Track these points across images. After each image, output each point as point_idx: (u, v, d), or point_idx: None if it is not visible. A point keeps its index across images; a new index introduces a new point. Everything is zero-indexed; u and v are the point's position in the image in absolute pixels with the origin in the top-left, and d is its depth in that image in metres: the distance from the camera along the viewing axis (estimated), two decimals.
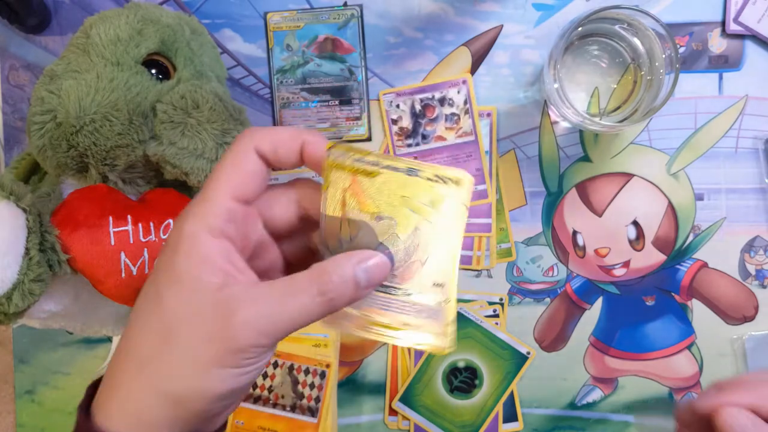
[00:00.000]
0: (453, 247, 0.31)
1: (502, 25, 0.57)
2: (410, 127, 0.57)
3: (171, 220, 0.46)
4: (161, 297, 0.28)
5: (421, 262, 0.30)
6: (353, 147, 0.30)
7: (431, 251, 0.30)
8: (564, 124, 0.57)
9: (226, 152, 0.30)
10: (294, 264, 0.33)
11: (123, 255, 0.44)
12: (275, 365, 0.56)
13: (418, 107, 0.57)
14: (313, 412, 0.56)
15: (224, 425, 0.32)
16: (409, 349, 0.57)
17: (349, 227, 0.31)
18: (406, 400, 0.57)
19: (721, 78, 0.56)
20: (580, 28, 0.50)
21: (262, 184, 0.30)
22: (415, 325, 0.31)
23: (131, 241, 0.44)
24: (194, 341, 0.27)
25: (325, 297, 0.28)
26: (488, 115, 0.57)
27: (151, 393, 0.28)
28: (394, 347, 0.57)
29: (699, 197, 0.57)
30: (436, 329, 0.30)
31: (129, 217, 0.45)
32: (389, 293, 0.31)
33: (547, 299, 0.57)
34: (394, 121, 0.57)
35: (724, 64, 0.56)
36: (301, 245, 0.33)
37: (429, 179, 0.30)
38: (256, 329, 0.27)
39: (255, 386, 0.56)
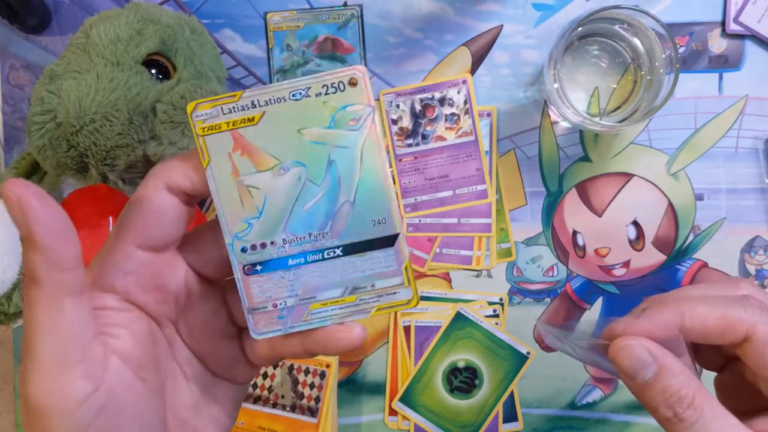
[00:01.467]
0: (379, 165, 0.25)
1: (502, 25, 0.57)
2: (410, 127, 0.57)
3: None
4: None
5: (349, 202, 0.25)
6: (216, 97, 0.25)
7: (357, 182, 0.25)
8: (564, 124, 0.57)
9: (134, 192, 0.26)
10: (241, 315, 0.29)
11: None
12: (275, 365, 0.56)
13: (418, 107, 0.57)
14: (313, 412, 0.56)
15: None
16: (409, 349, 0.57)
17: (252, 198, 0.25)
18: (406, 400, 0.57)
19: (721, 78, 0.56)
20: (580, 28, 0.50)
21: (178, 225, 0.26)
22: (369, 286, 0.26)
23: None
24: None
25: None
26: (488, 115, 0.57)
27: None
28: (395, 347, 0.57)
29: (699, 197, 0.57)
30: (395, 279, 0.26)
31: None
32: (325, 258, 0.25)
33: (547, 299, 0.57)
34: (394, 121, 0.57)
35: (724, 64, 0.56)
36: None
37: (319, 94, 0.24)
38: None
39: (255, 386, 0.56)
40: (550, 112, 0.57)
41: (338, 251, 0.25)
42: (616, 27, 0.52)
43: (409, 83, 0.57)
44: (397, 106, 0.57)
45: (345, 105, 0.24)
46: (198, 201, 0.27)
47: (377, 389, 0.57)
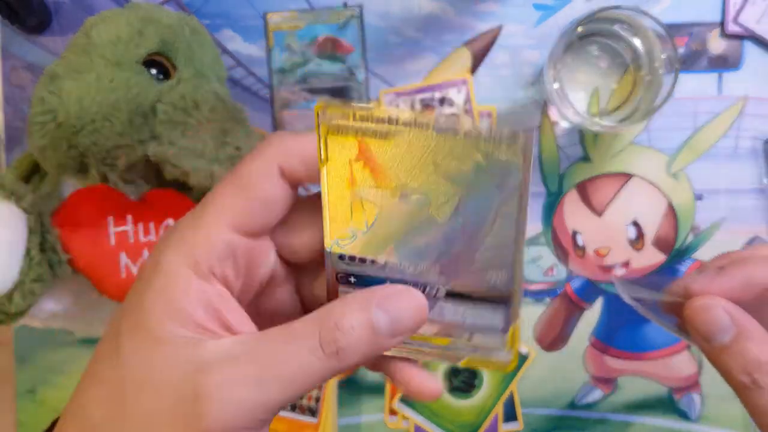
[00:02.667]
0: (511, 229, 0.22)
1: (502, 25, 0.57)
2: None
3: (171, 220, 0.46)
4: (120, 349, 0.22)
5: (470, 250, 0.23)
6: (354, 105, 0.23)
7: (483, 237, 0.23)
8: (564, 124, 0.57)
9: (239, 164, 0.23)
10: (313, 304, 0.26)
11: (123, 255, 0.44)
12: None
13: (418, 107, 0.57)
14: (313, 412, 0.56)
15: None
16: None
17: (363, 211, 0.23)
18: (406, 400, 0.57)
19: (720, 78, 0.56)
20: (580, 28, 0.50)
21: (280, 213, 0.24)
22: (466, 335, 0.24)
23: (131, 241, 0.45)
24: (153, 418, 0.21)
25: (329, 350, 0.21)
26: (488, 115, 0.57)
27: None
28: None
29: (699, 197, 0.57)
30: (496, 339, 0.24)
31: (129, 217, 0.45)
32: (425, 292, 0.24)
33: (547, 299, 0.57)
34: None
35: (724, 64, 0.56)
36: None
37: (468, 135, 0.22)
38: (233, 411, 0.20)
39: None
40: (550, 112, 0.57)
41: (441, 292, 0.24)
42: (616, 27, 0.52)
43: (409, 83, 0.57)
44: (397, 106, 0.57)
45: (496, 159, 0.22)
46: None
47: (377, 389, 0.57)
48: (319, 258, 0.24)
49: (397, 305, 0.22)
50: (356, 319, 0.21)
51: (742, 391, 0.24)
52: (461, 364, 0.24)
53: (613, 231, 0.57)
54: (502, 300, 0.23)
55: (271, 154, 0.23)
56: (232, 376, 0.20)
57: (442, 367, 0.57)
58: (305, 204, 0.25)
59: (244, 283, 0.24)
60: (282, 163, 0.23)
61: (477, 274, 0.23)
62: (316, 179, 0.23)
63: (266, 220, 0.23)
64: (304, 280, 0.26)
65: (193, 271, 0.22)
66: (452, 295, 0.24)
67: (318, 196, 0.24)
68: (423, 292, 0.23)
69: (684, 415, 0.57)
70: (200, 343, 0.21)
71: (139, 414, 0.21)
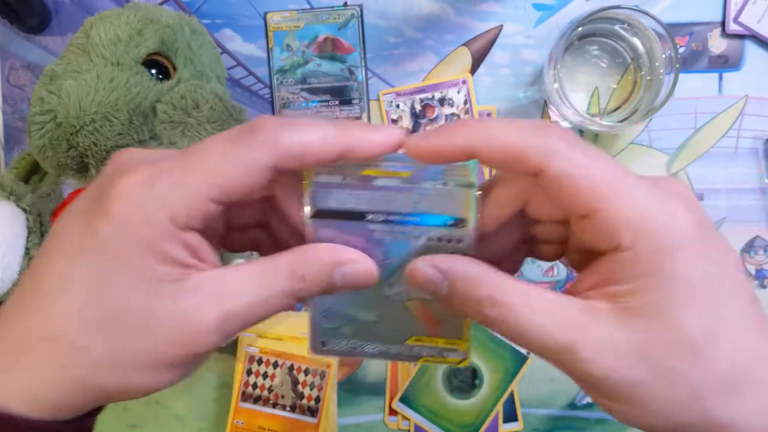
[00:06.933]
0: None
1: (502, 25, 0.57)
2: (410, 127, 0.57)
3: None
4: (96, 233, 0.23)
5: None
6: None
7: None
8: (564, 124, 0.57)
9: (239, 134, 0.24)
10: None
11: None
12: (275, 365, 0.56)
13: (418, 107, 0.57)
14: (313, 412, 0.56)
15: None
16: None
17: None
18: (406, 400, 0.57)
19: (721, 78, 0.56)
20: (580, 28, 0.50)
21: (264, 193, 0.26)
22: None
23: None
24: (141, 340, 0.23)
25: (295, 295, 0.25)
26: (488, 115, 0.57)
27: (76, 385, 0.24)
28: None
29: (699, 197, 0.57)
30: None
31: None
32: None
33: None
34: (394, 121, 0.57)
35: (724, 64, 0.56)
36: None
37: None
38: (220, 329, 0.24)
39: (255, 386, 0.56)
40: (550, 112, 0.57)
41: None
42: (616, 27, 0.52)
43: (409, 83, 0.57)
44: (397, 106, 0.57)
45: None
46: None
47: (377, 389, 0.57)
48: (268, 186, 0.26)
49: (354, 273, 0.26)
50: (320, 275, 0.25)
51: (489, 327, 0.25)
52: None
53: None
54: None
55: (269, 148, 0.24)
56: (219, 309, 0.24)
57: (443, 368, 0.57)
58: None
59: (212, 234, 0.26)
60: (278, 158, 0.24)
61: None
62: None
63: (248, 199, 0.25)
64: (274, 218, 0.28)
65: (172, 223, 0.24)
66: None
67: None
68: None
69: None
70: (184, 278, 0.24)
71: (126, 336, 0.24)
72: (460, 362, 0.27)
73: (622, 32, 0.52)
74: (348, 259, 0.26)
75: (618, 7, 0.48)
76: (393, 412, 0.57)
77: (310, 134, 0.24)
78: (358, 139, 0.24)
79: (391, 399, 0.57)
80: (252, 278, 0.25)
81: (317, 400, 0.56)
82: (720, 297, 0.23)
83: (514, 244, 0.28)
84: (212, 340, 0.24)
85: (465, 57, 0.57)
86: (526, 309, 0.23)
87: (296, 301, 0.25)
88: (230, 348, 0.56)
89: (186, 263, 0.24)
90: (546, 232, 0.27)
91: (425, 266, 0.25)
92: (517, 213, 0.27)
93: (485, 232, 0.26)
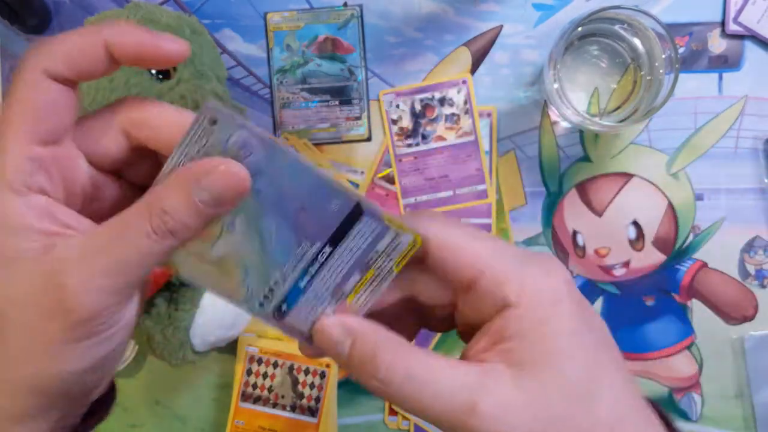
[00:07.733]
0: (297, 164, 0.25)
1: (502, 25, 0.57)
2: (410, 127, 0.57)
3: None
4: None
5: (300, 209, 0.25)
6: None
7: (291, 190, 0.25)
8: (564, 124, 0.57)
9: (11, 86, 0.24)
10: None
11: None
12: (275, 365, 0.56)
13: (418, 107, 0.57)
14: (313, 412, 0.56)
15: (111, 392, 0.29)
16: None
17: (228, 264, 0.26)
18: None
19: (720, 78, 0.56)
20: (580, 28, 0.50)
21: (68, 113, 0.24)
22: (375, 254, 0.26)
23: None
24: (31, 322, 0.23)
25: (162, 232, 0.23)
26: (488, 115, 0.57)
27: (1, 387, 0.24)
28: None
29: (699, 197, 0.57)
30: (389, 234, 0.26)
31: None
32: (321, 260, 0.26)
33: None
34: (394, 121, 0.57)
35: (724, 64, 0.56)
36: (147, 175, 0.27)
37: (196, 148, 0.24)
38: (96, 291, 0.23)
39: (255, 386, 0.56)
40: (550, 112, 0.57)
41: (326, 249, 0.26)
42: (616, 27, 0.52)
43: (409, 83, 0.57)
44: (397, 106, 0.57)
45: (227, 137, 0.24)
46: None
47: None
48: (129, 160, 0.26)
49: (216, 181, 0.24)
50: (179, 200, 0.23)
51: (382, 395, 0.25)
52: (397, 270, 0.26)
53: (614, 231, 0.57)
54: (358, 211, 0.25)
55: (31, 64, 0.23)
56: (86, 272, 0.23)
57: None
58: (100, 113, 0.26)
59: (66, 190, 0.25)
60: (45, 66, 0.23)
61: (324, 216, 0.25)
62: (82, 72, 0.24)
63: (56, 123, 0.24)
64: (130, 178, 0.27)
65: (12, 191, 0.23)
66: (334, 244, 0.26)
67: (110, 105, 0.26)
68: (321, 262, 0.26)
69: (684, 415, 0.57)
70: (49, 251, 0.23)
71: (17, 324, 0.23)
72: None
73: (622, 32, 0.52)
74: (209, 168, 0.24)
75: (618, 7, 0.48)
76: (393, 412, 0.57)
77: (73, 36, 0.24)
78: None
79: None
80: (111, 232, 0.24)
81: (317, 400, 0.56)
82: (597, 346, 0.25)
83: (408, 320, 0.29)
84: (91, 301, 0.23)
85: (465, 57, 0.57)
86: (427, 374, 0.24)
87: (174, 240, 0.24)
88: (230, 348, 0.56)
89: (44, 230, 0.23)
90: (436, 312, 0.29)
91: (333, 326, 0.26)
92: (409, 300, 0.28)
93: (378, 310, 0.27)
